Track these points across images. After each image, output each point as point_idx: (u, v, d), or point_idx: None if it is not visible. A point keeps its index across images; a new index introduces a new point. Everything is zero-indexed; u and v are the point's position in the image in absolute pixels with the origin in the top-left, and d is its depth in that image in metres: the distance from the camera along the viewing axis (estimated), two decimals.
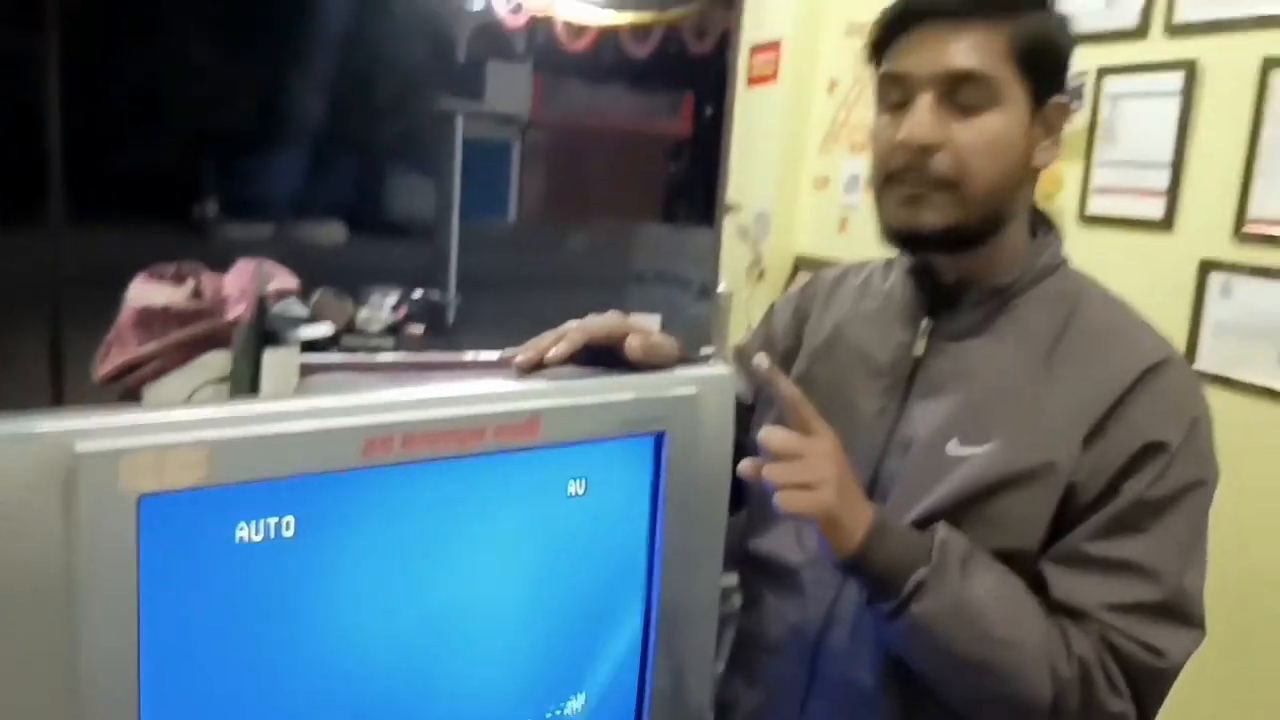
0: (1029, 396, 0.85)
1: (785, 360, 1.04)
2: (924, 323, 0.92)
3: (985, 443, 0.84)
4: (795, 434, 0.80)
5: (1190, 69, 1.84)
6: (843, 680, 0.90)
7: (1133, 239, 1.95)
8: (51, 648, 0.54)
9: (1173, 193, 1.88)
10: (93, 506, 0.54)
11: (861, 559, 0.79)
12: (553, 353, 0.79)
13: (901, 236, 0.88)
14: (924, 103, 0.83)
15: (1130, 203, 1.96)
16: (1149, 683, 0.79)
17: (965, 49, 0.82)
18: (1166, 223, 1.89)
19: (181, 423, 0.59)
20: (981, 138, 0.83)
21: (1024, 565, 0.83)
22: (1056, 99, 0.87)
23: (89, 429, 0.55)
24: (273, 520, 0.61)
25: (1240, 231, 1.76)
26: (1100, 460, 0.81)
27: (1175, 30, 1.87)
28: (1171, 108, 1.88)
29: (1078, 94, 2.05)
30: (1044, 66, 0.85)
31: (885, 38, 0.88)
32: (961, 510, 0.84)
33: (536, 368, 0.79)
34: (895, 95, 0.86)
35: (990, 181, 0.84)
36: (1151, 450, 0.80)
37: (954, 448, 0.86)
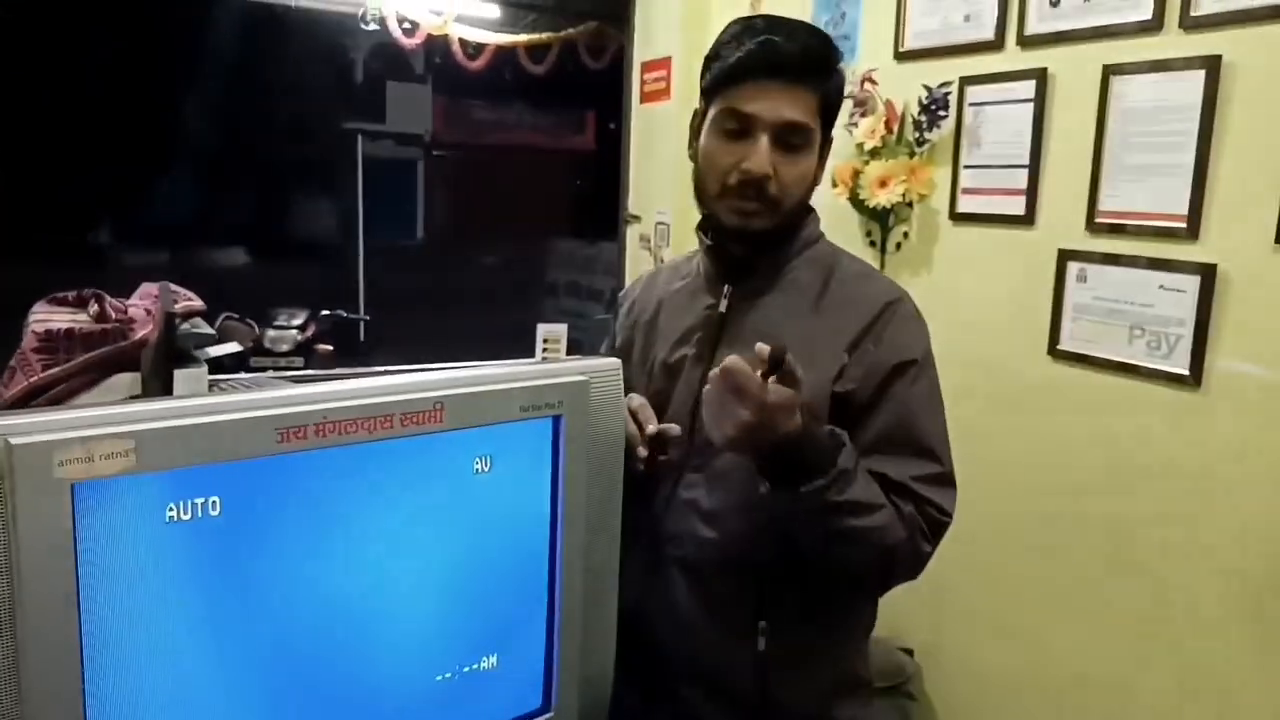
0: (805, 331, 1.12)
1: (625, 345, 1.31)
2: (725, 288, 1.20)
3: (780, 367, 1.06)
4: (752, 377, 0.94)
5: (1041, 77, 2.01)
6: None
7: (999, 233, 2.11)
8: None
9: (1032, 190, 2.04)
10: (29, 494, 0.60)
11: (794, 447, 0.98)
12: None
13: (733, 234, 1.16)
14: (765, 144, 1.10)
15: (995, 201, 2.12)
16: (939, 534, 1.11)
17: (797, 105, 1.11)
18: (1028, 218, 2.05)
19: (109, 417, 0.64)
20: (799, 172, 1.14)
21: None
22: (830, 135, 1.18)
23: (22, 425, 0.61)
24: (200, 500, 0.67)
25: (1092, 223, 1.92)
26: (867, 370, 1.11)
27: (1027, 42, 2.04)
28: (1026, 113, 2.04)
29: (945, 103, 2.21)
30: (833, 114, 1.17)
31: (728, 80, 1.12)
32: None
33: None
34: (732, 126, 1.12)
35: (798, 201, 1.16)
36: (905, 365, 1.12)
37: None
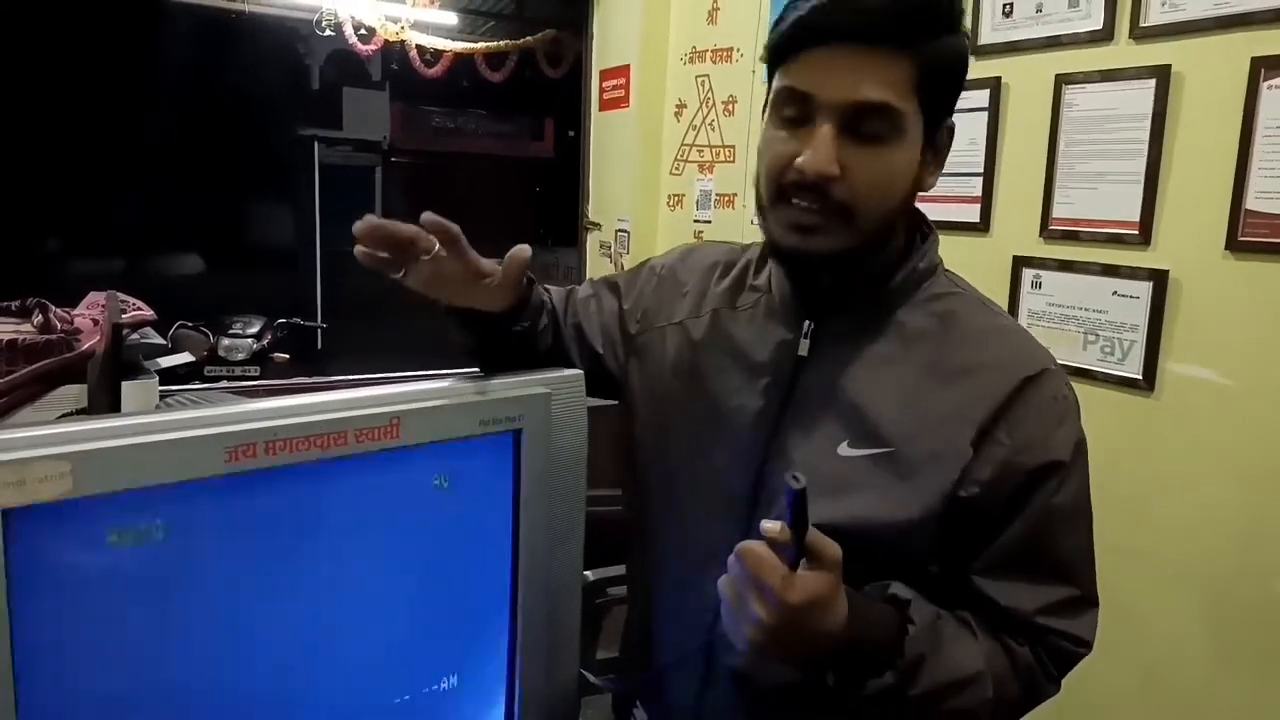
0: (915, 398, 0.87)
1: (620, 325, 1.08)
2: (806, 324, 0.92)
3: (878, 445, 0.86)
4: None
5: (995, 86, 2.03)
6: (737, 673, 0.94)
7: (954, 240, 2.13)
8: None
9: (986, 198, 2.07)
10: None
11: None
12: None
13: (790, 258, 0.88)
14: (827, 133, 0.81)
15: (950, 209, 2.14)
16: (1073, 665, 0.90)
17: (875, 79, 0.80)
18: (983, 225, 2.08)
19: (44, 438, 0.62)
20: (881, 171, 0.83)
21: (914, 553, 0.87)
22: (947, 123, 0.88)
23: None
24: (143, 525, 0.65)
25: (1046, 230, 1.95)
26: (998, 471, 0.84)
27: (980, 51, 2.06)
28: (981, 121, 2.07)
29: None
30: (944, 93, 0.85)
31: (785, 49, 0.84)
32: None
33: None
34: (791, 111, 0.84)
35: (884, 211, 0.85)
36: (1049, 469, 0.85)
37: (845, 449, 0.88)
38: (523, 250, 0.92)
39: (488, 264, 0.91)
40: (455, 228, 0.86)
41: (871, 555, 0.84)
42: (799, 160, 0.82)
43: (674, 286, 1.07)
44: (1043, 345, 0.92)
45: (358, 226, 0.84)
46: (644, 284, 1.10)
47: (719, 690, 0.96)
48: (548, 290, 1.11)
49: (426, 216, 0.84)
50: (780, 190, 0.85)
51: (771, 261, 0.98)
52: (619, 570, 2.06)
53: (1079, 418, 0.90)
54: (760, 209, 0.90)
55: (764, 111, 0.91)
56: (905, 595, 0.83)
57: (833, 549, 0.75)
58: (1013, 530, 0.85)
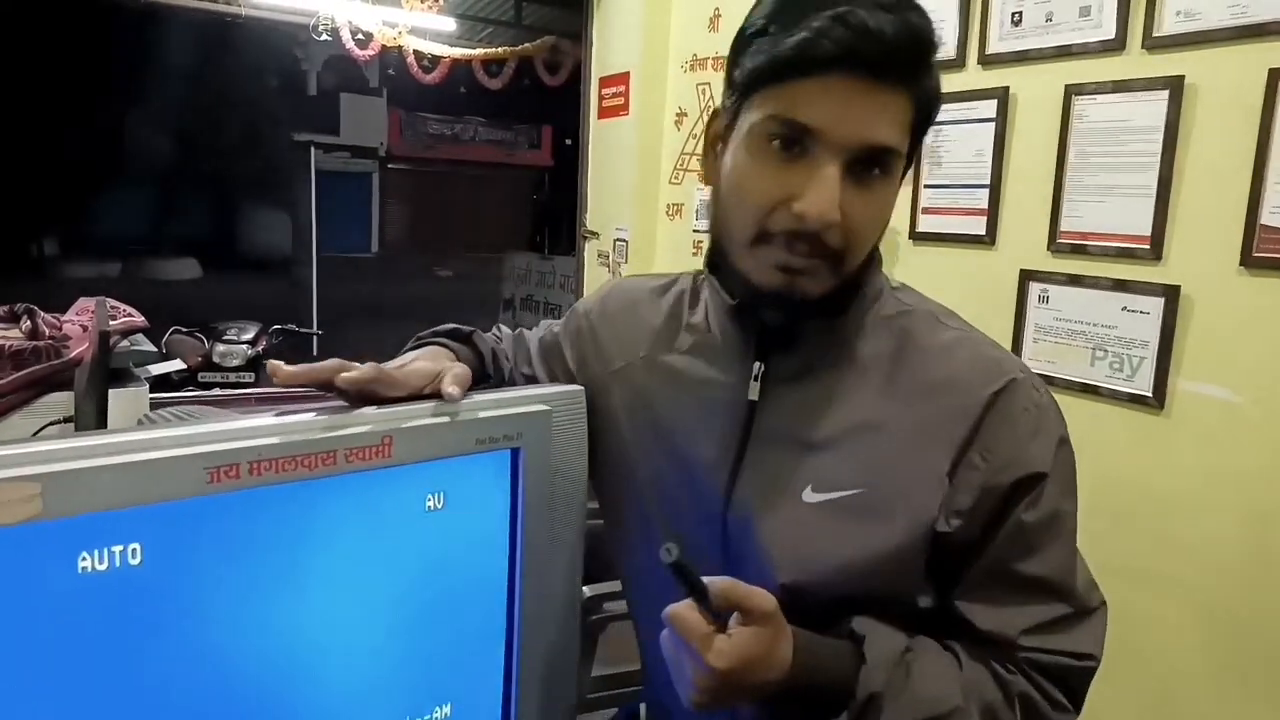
0: (878, 432, 0.81)
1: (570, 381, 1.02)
2: (756, 366, 0.85)
3: (845, 488, 0.81)
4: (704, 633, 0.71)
5: (1003, 96, 2.00)
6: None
7: (959, 253, 2.10)
8: None
9: (993, 210, 2.04)
10: None
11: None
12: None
13: (772, 301, 0.80)
14: (833, 176, 0.73)
15: (955, 221, 2.11)
16: (1084, 682, 0.83)
17: (886, 118, 0.74)
18: (989, 238, 2.04)
19: (13, 458, 0.58)
20: (875, 212, 0.78)
21: (901, 594, 0.82)
22: (918, 151, 0.83)
23: None
24: (118, 549, 0.61)
25: (1054, 244, 1.92)
26: (977, 497, 0.79)
27: (988, 61, 2.04)
28: (988, 132, 2.04)
29: None
30: (925, 131, 0.80)
31: (775, 74, 0.75)
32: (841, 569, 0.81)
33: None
34: (782, 144, 0.75)
35: (867, 251, 0.81)
36: (1029, 481, 0.80)
37: (810, 495, 0.82)
38: (462, 375, 0.84)
39: (419, 378, 0.82)
40: (370, 377, 0.77)
41: (853, 601, 0.81)
42: (799, 205, 0.74)
43: (606, 330, 1.01)
44: (1006, 351, 0.86)
45: (278, 376, 0.75)
46: (575, 335, 1.04)
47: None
48: (500, 335, 1.10)
49: (341, 380, 0.76)
50: (763, 233, 0.78)
51: (711, 299, 0.90)
52: (616, 586, 2.02)
53: (1056, 421, 0.84)
54: (724, 244, 0.83)
55: (721, 136, 0.83)
56: (862, 631, 0.79)
57: (763, 601, 0.72)
58: (990, 550, 0.80)
